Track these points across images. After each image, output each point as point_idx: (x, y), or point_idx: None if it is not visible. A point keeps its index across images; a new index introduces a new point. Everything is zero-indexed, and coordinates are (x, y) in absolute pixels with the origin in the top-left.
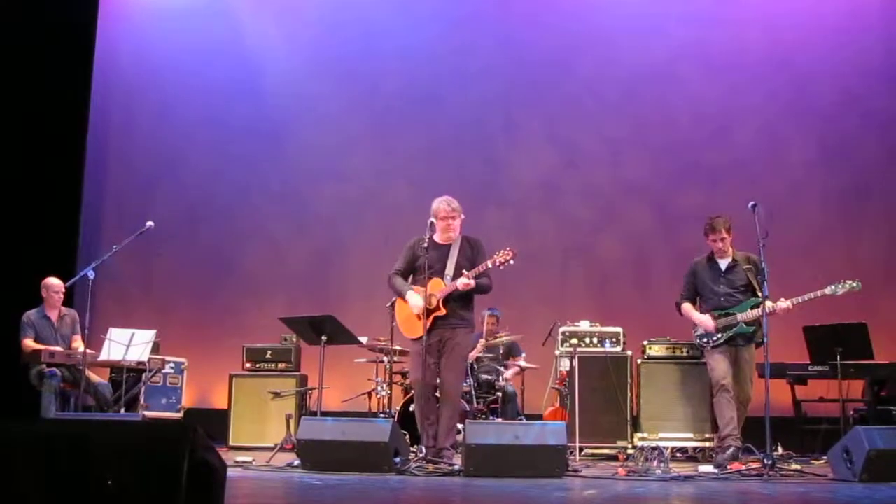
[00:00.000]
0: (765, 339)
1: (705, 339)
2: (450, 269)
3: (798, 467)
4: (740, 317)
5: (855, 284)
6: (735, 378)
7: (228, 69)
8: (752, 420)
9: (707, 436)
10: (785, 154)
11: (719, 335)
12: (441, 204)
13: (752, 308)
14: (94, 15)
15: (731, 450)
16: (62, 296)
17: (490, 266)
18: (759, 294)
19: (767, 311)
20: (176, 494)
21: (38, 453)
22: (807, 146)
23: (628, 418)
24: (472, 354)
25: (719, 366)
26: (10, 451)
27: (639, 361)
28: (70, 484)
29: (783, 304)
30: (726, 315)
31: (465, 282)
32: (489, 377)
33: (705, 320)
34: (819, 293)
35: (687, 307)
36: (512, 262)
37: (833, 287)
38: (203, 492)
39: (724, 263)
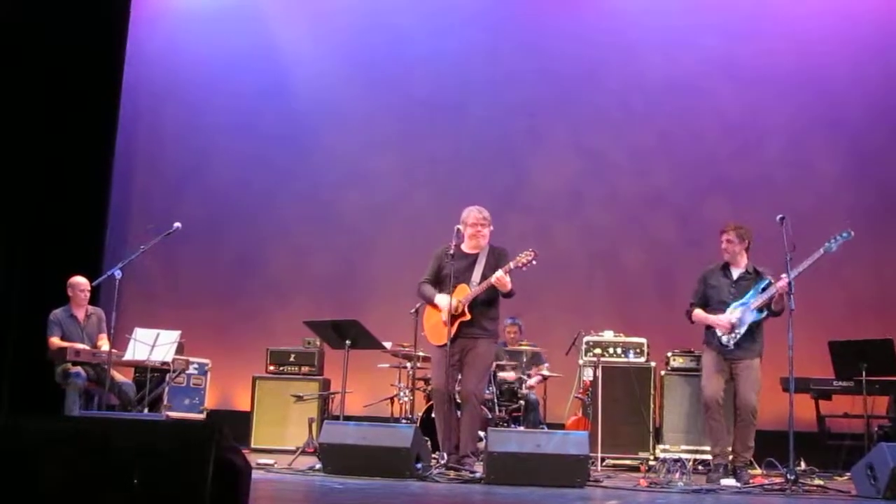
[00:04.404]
0: (790, 353)
1: (725, 340)
2: (476, 277)
3: (821, 483)
4: (751, 303)
5: (846, 234)
6: (736, 388)
7: (256, 73)
8: (775, 434)
9: (730, 449)
10: (812, 168)
11: (738, 331)
12: (472, 211)
13: (761, 292)
14: (125, 17)
15: (722, 469)
16: (88, 294)
17: (513, 267)
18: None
19: (774, 295)
20: (201, 495)
21: (64, 451)
22: (835, 161)
23: (651, 429)
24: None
25: (710, 383)
26: (35, 449)
27: (662, 373)
28: (95, 482)
29: (781, 282)
30: (740, 306)
31: (500, 275)
32: (512, 385)
33: (720, 320)
34: (816, 257)
35: (698, 312)
36: (534, 262)
37: (827, 244)
38: (228, 492)
39: (736, 273)
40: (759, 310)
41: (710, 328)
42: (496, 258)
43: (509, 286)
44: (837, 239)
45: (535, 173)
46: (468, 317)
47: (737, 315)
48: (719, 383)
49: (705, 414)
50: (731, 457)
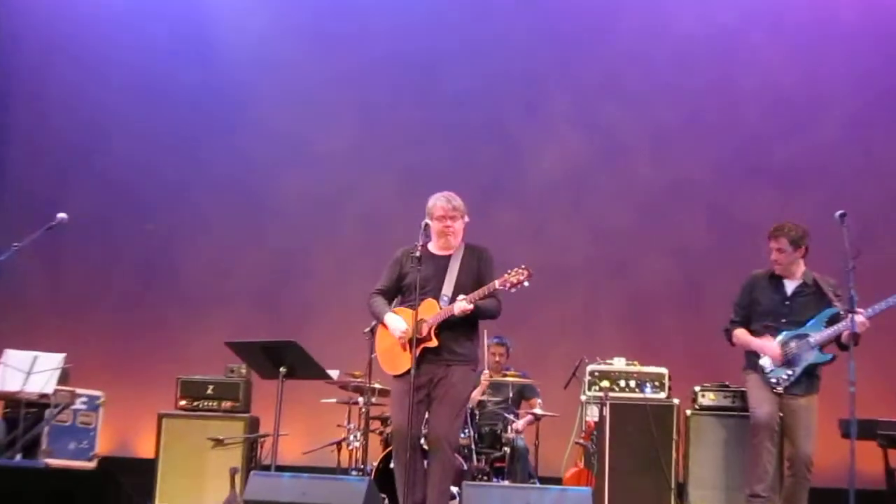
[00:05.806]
0: (851, 388)
1: (774, 380)
2: (448, 287)
3: None
4: (813, 338)
5: None
6: (786, 432)
7: (169, 22)
8: (831, 492)
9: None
10: (876, 151)
11: (791, 371)
12: (439, 200)
13: (826, 325)
14: None
15: None
16: None
17: (498, 287)
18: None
19: (842, 331)
20: None
21: None
22: None
23: (672, 485)
24: (475, 395)
25: (763, 405)
26: None
27: (688, 412)
28: None
29: (858, 319)
30: (796, 337)
31: (462, 307)
32: (495, 427)
33: (769, 347)
34: None
35: (741, 333)
36: (527, 283)
37: None
38: None
39: (791, 285)
40: (822, 348)
41: (753, 352)
42: (476, 261)
43: (471, 309)
44: None
45: (529, 155)
46: (435, 343)
47: (792, 348)
48: (774, 406)
49: (753, 440)
50: None
